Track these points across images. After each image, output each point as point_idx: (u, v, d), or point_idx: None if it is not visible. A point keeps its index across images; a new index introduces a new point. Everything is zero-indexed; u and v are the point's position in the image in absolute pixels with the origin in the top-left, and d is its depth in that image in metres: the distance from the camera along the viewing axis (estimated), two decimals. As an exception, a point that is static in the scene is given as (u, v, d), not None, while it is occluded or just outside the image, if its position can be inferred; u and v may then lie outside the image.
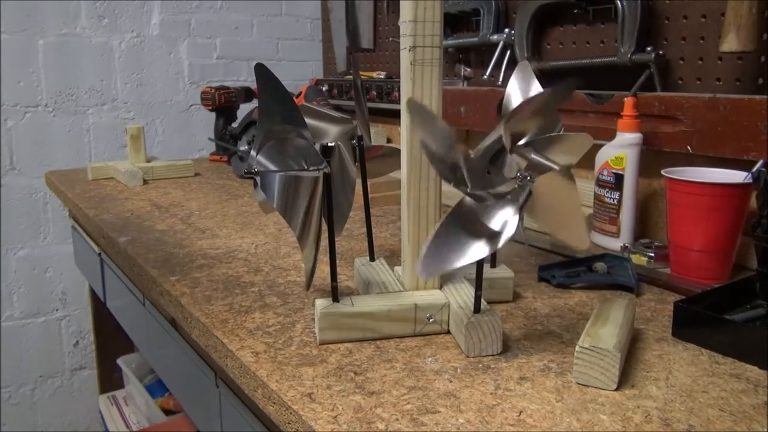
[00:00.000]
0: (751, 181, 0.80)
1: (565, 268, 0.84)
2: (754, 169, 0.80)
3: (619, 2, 1.08)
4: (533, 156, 0.58)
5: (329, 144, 0.67)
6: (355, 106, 0.75)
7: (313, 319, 0.70)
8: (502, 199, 0.59)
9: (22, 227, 1.73)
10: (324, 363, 0.61)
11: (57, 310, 1.82)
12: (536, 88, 0.66)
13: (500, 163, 0.60)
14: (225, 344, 0.65)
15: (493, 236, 0.57)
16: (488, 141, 0.61)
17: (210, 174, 1.62)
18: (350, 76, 1.86)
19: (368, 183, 0.77)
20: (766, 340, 0.60)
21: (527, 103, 0.58)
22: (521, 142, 0.62)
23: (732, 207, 0.80)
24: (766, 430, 0.50)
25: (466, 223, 0.58)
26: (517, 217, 0.57)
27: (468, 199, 0.59)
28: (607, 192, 0.98)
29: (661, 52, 1.04)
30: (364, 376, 0.58)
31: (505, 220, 0.58)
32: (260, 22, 2.02)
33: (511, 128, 0.58)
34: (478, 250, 0.57)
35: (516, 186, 0.58)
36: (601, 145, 1.00)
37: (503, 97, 0.69)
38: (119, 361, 1.75)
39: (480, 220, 0.58)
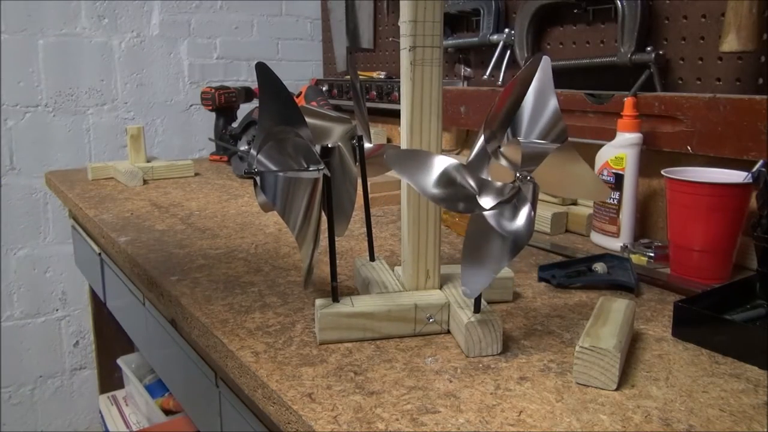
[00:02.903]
0: (751, 181, 0.80)
1: (565, 268, 0.84)
2: (754, 169, 0.80)
3: (619, 2, 1.08)
4: (526, 146, 0.58)
5: (329, 146, 0.66)
6: (354, 106, 0.75)
7: (313, 319, 0.70)
8: (510, 203, 0.59)
9: (22, 227, 1.74)
10: (324, 363, 0.61)
11: (57, 310, 1.82)
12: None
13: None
14: (225, 344, 0.65)
15: (513, 239, 0.58)
16: (476, 150, 0.61)
17: (210, 174, 1.62)
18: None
19: (368, 183, 0.77)
20: (766, 340, 0.60)
21: (503, 99, 0.58)
22: (506, 142, 0.62)
23: (732, 207, 0.81)
24: (766, 430, 0.50)
25: (485, 233, 0.59)
26: (531, 214, 0.57)
27: (478, 212, 0.59)
28: (607, 192, 0.98)
29: (661, 52, 1.04)
30: (364, 376, 0.58)
31: (519, 220, 0.58)
32: (260, 22, 2.02)
33: (491, 127, 0.59)
34: (506, 254, 0.58)
35: (518, 186, 0.58)
36: (601, 145, 1.00)
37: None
38: (119, 361, 1.75)
39: (495, 229, 0.59)
